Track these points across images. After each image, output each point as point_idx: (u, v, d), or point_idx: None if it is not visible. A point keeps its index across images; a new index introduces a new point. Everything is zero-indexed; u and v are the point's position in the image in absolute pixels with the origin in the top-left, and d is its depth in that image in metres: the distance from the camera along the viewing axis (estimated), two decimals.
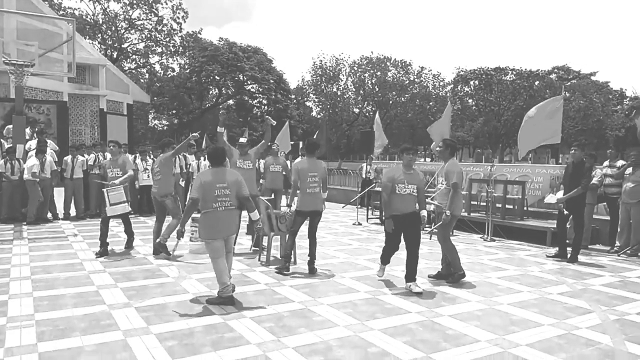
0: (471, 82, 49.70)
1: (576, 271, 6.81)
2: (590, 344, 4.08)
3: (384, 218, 5.79)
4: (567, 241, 8.16)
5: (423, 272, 6.42)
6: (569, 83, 48.18)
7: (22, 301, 4.91)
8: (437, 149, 7.44)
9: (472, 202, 10.70)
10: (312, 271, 6.32)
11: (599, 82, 48.90)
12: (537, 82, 47.64)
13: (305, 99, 52.54)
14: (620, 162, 8.63)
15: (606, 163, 8.88)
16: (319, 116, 50.93)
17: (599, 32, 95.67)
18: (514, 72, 47.62)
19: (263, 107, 44.58)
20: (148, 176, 11.53)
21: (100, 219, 7.31)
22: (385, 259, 6.04)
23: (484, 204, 10.28)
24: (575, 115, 45.45)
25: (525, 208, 10.01)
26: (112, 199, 6.95)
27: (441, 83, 51.77)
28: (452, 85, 50.82)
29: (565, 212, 7.64)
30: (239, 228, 5.34)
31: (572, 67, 51.31)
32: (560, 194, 7.65)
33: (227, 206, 4.92)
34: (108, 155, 11.30)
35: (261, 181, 9.32)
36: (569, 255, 7.47)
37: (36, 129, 11.96)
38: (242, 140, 8.06)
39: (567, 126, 42.88)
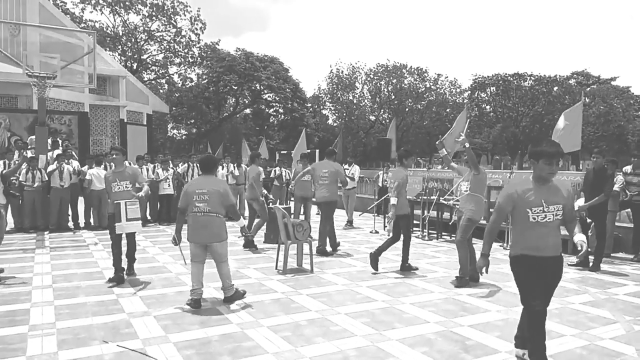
0: (488, 89, 49.30)
1: (599, 280, 6.66)
2: (614, 355, 3.98)
3: (510, 256, 3.84)
4: (589, 250, 8.00)
5: (443, 281, 6.35)
6: (589, 89, 47.51)
7: (44, 309, 4.98)
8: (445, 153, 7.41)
9: (490, 210, 10.56)
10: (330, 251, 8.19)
11: (619, 87, 48.12)
12: (555, 88, 47.04)
13: (322, 107, 52.69)
14: None
15: (627, 169, 8.70)
16: (335, 124, 51.00)
17: (619, 36, 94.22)
18: (532, 78, 47.10)
19: (280, 115, 44.84)
20: (169, 185, 11.67)
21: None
22: (532, 345, 3.68)
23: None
24: (596, 121, 44.74)
25: None
26: (130, 214, 6.06)
27: (458, 90, 51.45)
28: (469, 92, 50.48)
29: (588, 220, 7.50)
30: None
31: (591, 73, 50.65)
32: (581, 202, 7.50)
33: (205, 212, 5.16)
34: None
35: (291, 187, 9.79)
36: (590, 264, 7.31)
37: (58, 139, 12.21)
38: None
39: (587, 132, 42.24)
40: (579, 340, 4.31)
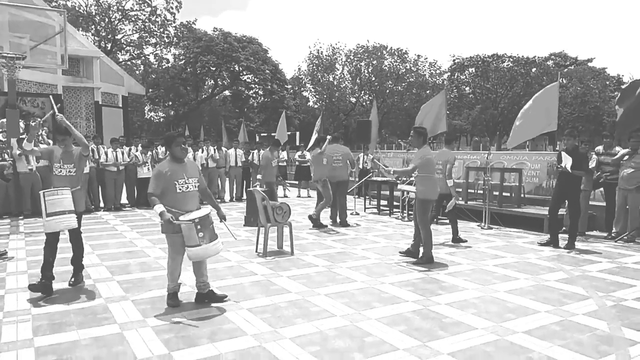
0: (467, 70, 49.50)
1: (573, 258, 6.82)
2: (587, 330, 4.08)
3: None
4: (564, 228, 8.18)
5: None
6: (566, 69, 48.05)
7: (19, 296, 4.89)
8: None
9: (469, 190, 10.70)
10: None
11: (596, 69, 48.80)
12: (534, 69, 47.45)
13: (302, 89, 52.30)
14: (617, 149, 8.61)
15: (599, 149, 8.86)
16: (315, 106, 50.73)
17: (596, 18, 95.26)
18: (511, 59, 47.38)
19: (259, 97, 44.38)
20: (148, 169, 11.49)
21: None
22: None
23: (481, 192, 10.28)
24: (572, 101, 45.39)
25: (522, 195, 10.02)
26: (51, 207, 4.75)
27: (437, 71, 51.54)
28: (448, 73, 50.62)
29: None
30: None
31: (569, 54, 51.17)
32: (569, 160, 7.40)
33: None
34: (104, 148, 11.44)
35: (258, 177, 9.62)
36: (561, 244, 7.45)
37: (31, 122, 11.84)
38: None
39: (564, 113, 42.87)
40: (553, 316, 4.41)
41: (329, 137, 9.61)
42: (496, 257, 6.77)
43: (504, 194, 9.87)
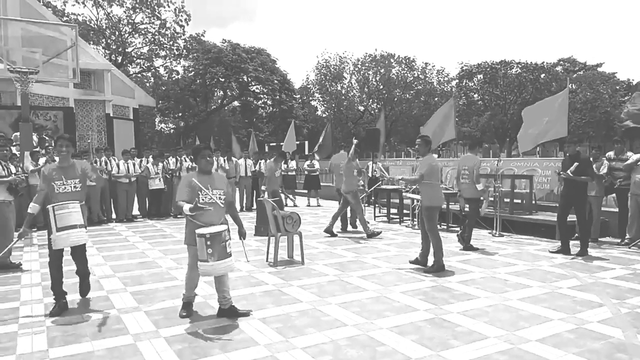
0: (476, 77, 49.43)
1: (586, 265, 6.76)
2: (602, 338, 4.04)
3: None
4: (576, 235, 8.11)
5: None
6: (575, 75, 47.77)
7: (33, 307, 4.95)
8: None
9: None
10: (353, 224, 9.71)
11: (605, 74, 48.44)
12: (542, 75, 47.28)
13: (310, 98, 52.53)
14: (629, 154, 8.55)
15: (610, 154, 8.79)
16: (324, 115, 50.88)
17: (605, 23, 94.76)
18: (519, 65, 47.27)
19: (268, 107, 44.62)
20: (160, 180, 11.58)
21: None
22: None
23: (492, 199, 10.23)
24: (582, 107, 45.05)
25: (533, 202, 9.96)
26: (61, 221, 4.59)
27: (445, 78, 51.54)
28: (456, 81, 50.59)
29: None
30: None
31: (577, 59, 50.88)
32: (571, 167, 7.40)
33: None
34: (116, 160, 11.55)
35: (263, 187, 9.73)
36: (573, 251, 7.38)
37: (44, 136, 12.05)
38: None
39: (574, 118, 42.55)
40: (566, 324, 4.37)
41: (355, 141, 9.42)
42: (508, 265, 6.72)
43: (515, 200, 9.82)
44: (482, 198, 8.00)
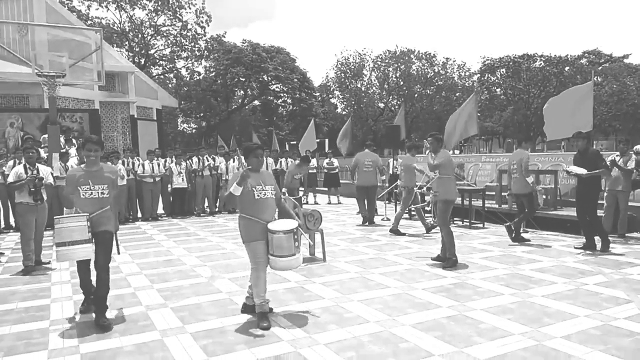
0: (498, 71, 48.71)
1: (613, 260, 6.63)
2: (629, 335, 3.98)
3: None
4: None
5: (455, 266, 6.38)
6: (600, 67, 46.70)
7: (63, 304, 5.10)
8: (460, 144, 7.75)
9: (503, 194, 10.52)
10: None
11: (632, 65, 47.20)
12: (567, 68, 46.33)
13: (330, 96, 52.52)
14: None
15: (638, 148, 8.59)
16: (344, 113, 50.83)
17: (632, 13, 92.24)
18: (543, 59, 46.43)
19: (288, 106, 44.80)
20: (183, 179, 11.78)
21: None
22: None
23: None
24: (609, 100, 44.03)
25: (558, 197, 9.80)
26: (58, 236, 4.29)
27: (467, 73, 50.92)
28: (478, 75, 49.93)
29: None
30: None
31: (603, 51, 49.71)
32: (582, 169, 7.31)
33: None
34: (140, 161, 11.79)
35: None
36: (598, 247, 7.25)
37: (71, 137, 12.35)
38: None
39: (600, 111, 41.61)
40: (592, 320, 4.31)
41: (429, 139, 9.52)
42: (532, 262, 6.64)
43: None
44: (533, 192, 8.01)
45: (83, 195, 4.45)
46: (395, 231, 9.04)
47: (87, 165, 4.60)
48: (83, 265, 4.59)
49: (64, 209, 4.64)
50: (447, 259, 6.44)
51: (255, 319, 4.46)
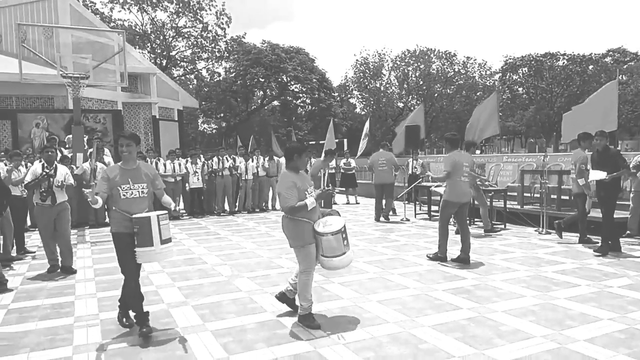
0: (520, 70, 48.05)
1: (638, 263, 6.48)
2: None
3: None
4: (628, 232, 7.79)
5: (475, 267, 6.32)
6: (626, 66, 45.68)
7: (87, 302, 5.21)
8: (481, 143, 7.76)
9: (525, 194, 10.38)
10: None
11: None
12: (590, 67, 45.47)
13: (349, 96, 52.47)
14: None
15: None
16: (363, 112, 50.74)
17: None
18: (566, 57, 45.65)
19: (307, 106, 44.90)
20: (198, 179, 11.93)
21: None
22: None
23: (538, 195, 9.95)
24: (634, 99, 43.07)
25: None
26: (165, 233, 4.12)
27: (488, 72, 50.36)
28: (500, 74, 49.33)
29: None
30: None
31: (628, 49, 48.63)
32: (602, 173, 7.13)
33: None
34: (162, 160, 11.98)
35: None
36: (624, 249, 7.09)
37: (95, 137, 12.58)
38: None
39: (624, 111, 40.72)
40: (617, 324, 4.23)
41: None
42: (555, 263, 6.54)
43: (562, 197, 9.51)
44: (587, 194, 7.75)
45: (123, 195, 4.15)
46: (489, 230, 9.01)
47: (124, 163, 4.28)
48: (133, 277, 4.22)
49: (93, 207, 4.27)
50: (436, 252, 6.82)
51: (273, 317, 4.49)
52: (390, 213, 11.34)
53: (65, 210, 6.64)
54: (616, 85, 8.75)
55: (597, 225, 8.57)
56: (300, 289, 4.39)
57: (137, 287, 4.24)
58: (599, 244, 7.12)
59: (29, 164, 9.61)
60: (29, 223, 10.30)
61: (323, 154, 12.10)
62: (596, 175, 7.07)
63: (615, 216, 7.26)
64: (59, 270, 6.54)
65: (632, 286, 5.38)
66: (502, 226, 9.57)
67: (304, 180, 4.46)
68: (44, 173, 6.46)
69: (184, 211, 12.28)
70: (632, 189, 8.25)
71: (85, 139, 12.13)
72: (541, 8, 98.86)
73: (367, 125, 17.48)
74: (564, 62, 45.87)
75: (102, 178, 4.21)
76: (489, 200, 9.74)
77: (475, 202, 9.38)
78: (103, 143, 12.88)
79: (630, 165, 8.05)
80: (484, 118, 11.08)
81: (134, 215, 4.06)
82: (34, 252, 7.82)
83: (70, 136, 12.03)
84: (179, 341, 4.04)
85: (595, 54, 46.06)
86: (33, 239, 8.98)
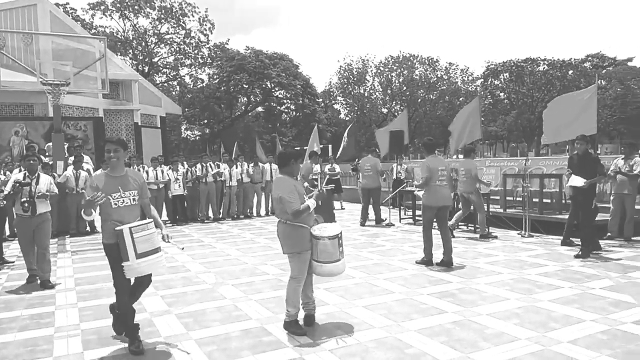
0: (502, 75, 48.71)
1: (619, 264, 6.59)
2: (636, 339, 3.94)
3: None
4: (609, 234, 7.90)
5: (460, 271, 6.35)
6: (604, 71, 46.66)
7: (68, 312, 5.10)
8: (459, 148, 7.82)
9: (507, 198, 10.49)
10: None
11: (636, 68, 47.16)
12: (570, 72, 46.29)
13: (333, 102, 52.62)
14: None
15: None
16: (347, 118, 50.91)
17: (634, 16, 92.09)
18: (546, 63, 46.42)
19: (291, 112, 44.90)
20: (179, 186, 11.80)
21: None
22: None
23: (520, 199, 10.07)
24: (613, 103, 43.95)
25: (563, 201, 9.74)
26: (143, 245, 3.88)
27: (470, 78, 50.97)
28: (481, 80, 49.96)
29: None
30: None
31: (606, 54, 49.71)
32: (580, 180, 7.22)
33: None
34: (145, 168, 11.83)
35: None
36: (598, 250, 7.22)
37: (75, 145, 12.42)
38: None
39: (604, 115, 41.49)
40: (599, 325, 4.28)
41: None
42: (538, 266, 6.60)
43: (544, 200, 9.63)
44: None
45: (115, 204, 3.95)
46: (485, 236, 8.96)
47: (112, 170, 4.07)
48: (126, 291, 4.05)
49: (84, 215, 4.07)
50: (423, 257, 6.89)
51: (258, 324, 4.45)
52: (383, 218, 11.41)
53: (46, 222, 6.35)
54: (595, 90, 8.90)
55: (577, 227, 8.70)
56: (288, 295, 4.33)
57: (129, 302, 4.08)
58: (580, 248, 7.20)
59: (7, 173, 9.44)
60: (7, 232, 10.09)
61: (307, 157, 12.12)
62: (575, 181, 7.16)
63: (596, 218, 7.37)
64: (38, 280, 6.40)
65: (614, 287, 5.46)
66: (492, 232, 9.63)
67: (299, 185, 4.46)
68: (17, 184, 6.16)
69: (167, 219, 12.13)
70: (612, 192, 8.39)
71: (65, 147, 11.96)
72: (522, 14, 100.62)
73: (347, 130, 17.52)
74: (544, 67, 46.62)
75: (91, 187, 3.98)
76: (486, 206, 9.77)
77: (471, 207, 9.38)
78: (83, 150, 12.72)
79: (610, 169, 8.19)
80: (467, 122, 11.19)
81: (116, 228, 3.88)
82: (13, 262, 7.65)
83: (51, 144, 11.84)
84: (163, 350, 3.98)
85: (574, 59, 46.92)
86: (12, 249, 8.78)
